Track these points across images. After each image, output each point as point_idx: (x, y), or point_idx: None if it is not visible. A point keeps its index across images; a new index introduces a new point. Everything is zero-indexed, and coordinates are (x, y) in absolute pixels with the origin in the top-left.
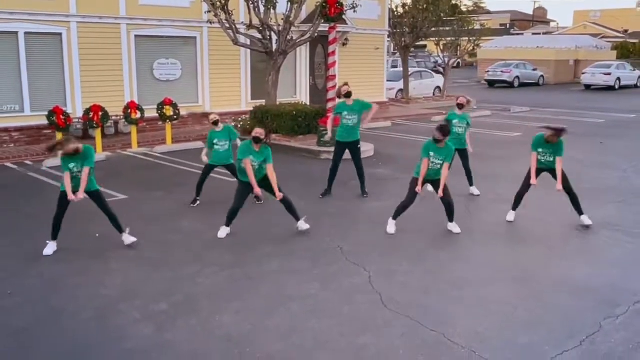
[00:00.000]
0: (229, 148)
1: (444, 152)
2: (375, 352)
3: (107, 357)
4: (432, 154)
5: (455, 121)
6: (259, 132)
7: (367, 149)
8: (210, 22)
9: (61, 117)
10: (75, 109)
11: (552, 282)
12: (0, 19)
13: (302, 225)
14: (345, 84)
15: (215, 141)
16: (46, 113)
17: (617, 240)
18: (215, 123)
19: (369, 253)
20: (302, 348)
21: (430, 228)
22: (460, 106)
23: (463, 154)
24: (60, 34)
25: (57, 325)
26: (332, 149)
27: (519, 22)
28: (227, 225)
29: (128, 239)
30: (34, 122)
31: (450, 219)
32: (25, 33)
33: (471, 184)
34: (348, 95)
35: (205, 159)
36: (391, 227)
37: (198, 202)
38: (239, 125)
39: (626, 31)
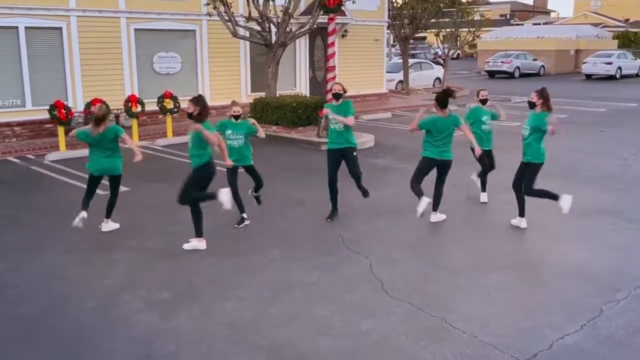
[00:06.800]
0: (245, 144)
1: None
2: (377, 338)
3: (112, 344)
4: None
5: (484, 118)
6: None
7: (367, 140)
8: (210, 15)
9: (62, 111)
10: (77, 103)
11: (553, 267)
12: (0, 14)
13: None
14: (338, 84)
15: (228, 133)
16: (47, 107)
17: (617, 226)
18: (237, 118)
19: (369, 241)
20: (305, 334)
21: (430, 217)
22: (484, 101)
23: (490, 154)
24: (60, 29)
25: (63, 313)
26: None
27: (519, 13)
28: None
29: (107, 226)
30: (35, 116)
31: (435, 208)
32: (26, 28)
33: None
34: (337, 96)
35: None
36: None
37: (246, 222)
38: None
39: (627, 20)
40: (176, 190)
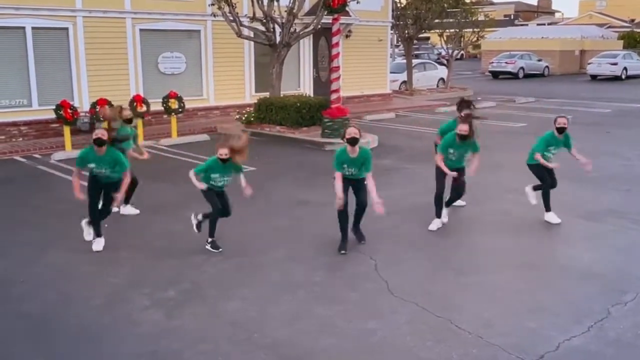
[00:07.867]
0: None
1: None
2: (382, 337)
3: (117, 341)
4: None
5: (550, 147)
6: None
7: (371, 140)
8: (214, 15)
9: (68, 110)
10: (82, 103)
11: (558, 268)
12: (7, 15)
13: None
14: (354, 127)
15: (214, 176)
16: (54, 107)
17: (622, 228)
18: (225, 161)
19: (373, 241)
20: (308, 333)
21: (434, 217)
22: (561, 130)
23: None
24: (66, 29)
25: (68, 311)
26: (336, 140)
27: (523, 13)
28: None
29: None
30: (41, 116)
31: (448, 204)
32: (32, 28)
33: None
34: (354, 142)
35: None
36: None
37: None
38: (243, 118)
39: (633, 20)
40: (180, 190)
